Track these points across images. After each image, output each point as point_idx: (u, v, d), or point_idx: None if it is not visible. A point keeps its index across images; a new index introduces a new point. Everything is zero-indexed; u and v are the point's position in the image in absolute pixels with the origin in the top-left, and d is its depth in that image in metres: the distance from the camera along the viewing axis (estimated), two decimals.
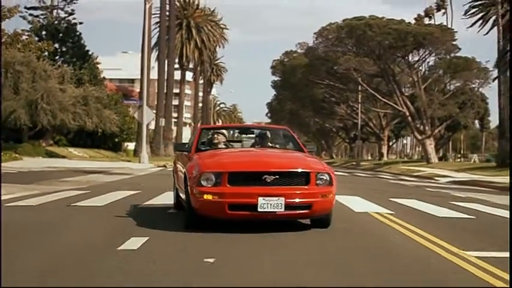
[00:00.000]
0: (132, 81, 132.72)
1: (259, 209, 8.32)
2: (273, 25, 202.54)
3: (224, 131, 11.70)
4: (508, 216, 11.51)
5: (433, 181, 32.37)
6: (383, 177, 35.21)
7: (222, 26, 78.86)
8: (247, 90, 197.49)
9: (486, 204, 14.49)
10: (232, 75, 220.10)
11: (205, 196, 8.44)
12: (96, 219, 9.79)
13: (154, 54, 59.75)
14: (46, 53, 44.98)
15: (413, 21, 54.04)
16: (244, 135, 12.02)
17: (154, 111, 46.74)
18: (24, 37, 44.61)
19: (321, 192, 8.64)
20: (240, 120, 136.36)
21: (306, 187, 8.61)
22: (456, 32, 51.68)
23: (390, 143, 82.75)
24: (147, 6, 42.27)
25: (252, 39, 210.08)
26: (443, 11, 76.36)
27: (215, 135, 10.70)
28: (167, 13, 55.77)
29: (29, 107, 38.28)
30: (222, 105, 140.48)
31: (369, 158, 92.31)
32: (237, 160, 9.29)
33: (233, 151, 10.30)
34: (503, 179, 29.15)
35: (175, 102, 70.62)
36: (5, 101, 38.07)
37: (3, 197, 12.54)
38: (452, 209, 12.86)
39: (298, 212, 8.63)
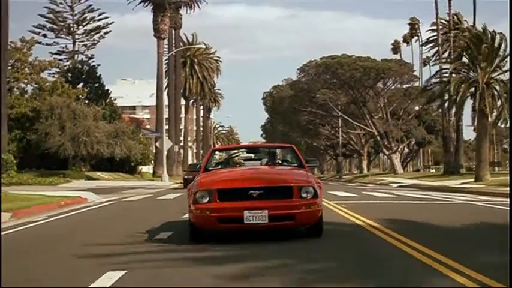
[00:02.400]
0: (133, 108, 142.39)
1: (245, 221, 9.19)
2: (264, 45, 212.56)
3: (236, 151, 12.98)
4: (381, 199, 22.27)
5: (387, 186, 43.00)
6: (348, 185, 45.95)
7: (217, 59, 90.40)
8: (241, 110, 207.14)
9: (384, 192, 25.27)
10: (226, 95, 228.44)
11: (199, 211, 9.47)
12: (179, 202, 20.07)
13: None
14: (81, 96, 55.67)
15: (399, 34, 65.05)
16: (252, 155, 13.23)
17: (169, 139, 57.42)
18: (61, 84, 55.23)
19: (304, 203, 9.34)
20: (237, 141, 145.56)
21: (290, 200, 9.35)
22: (413, 65, 62.67)
23: (371, 158, 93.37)
24: (162, 56, 53.16)
25: (244, 58, 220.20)
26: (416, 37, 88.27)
27: (233, 157, 12.29)
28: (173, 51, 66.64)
29: (72, 141, 48.91)
30: (220, 128, 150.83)
31: (355, 171, 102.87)
32: (228, 178, 10.28)
33: (231, 170, 11.22)
34: (436, 183, 39.87)
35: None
36: (52, 137, 48.70)
37: (113, 197, 23.20)
38: (350, 192, 23.68)
39: (281, 223, 9.38)
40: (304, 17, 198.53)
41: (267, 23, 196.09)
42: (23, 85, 56.70)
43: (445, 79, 40.78)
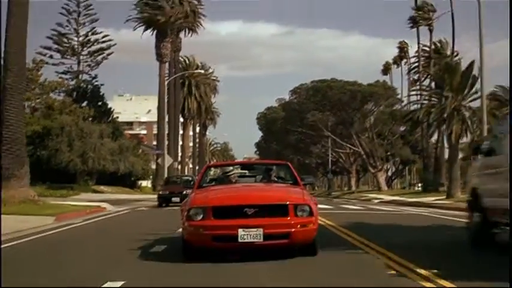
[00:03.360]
0: (131, 123, 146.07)
1: (239, 240, 9.08)
2: (261, 61, 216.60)
3: (231, 168, 12.75)
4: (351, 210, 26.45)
5: (369, 201, 47.17)
6: (334, 200, 50.24)
7: (214, 78, 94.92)
8: (236, 126, 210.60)
9: (359, 206, 29.48)
10: (222, 110, 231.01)
11: (193, 228, 9.37)
12: None
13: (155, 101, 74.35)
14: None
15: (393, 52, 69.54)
16: (247, 172, 13.16)
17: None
18: (69, 104, 59.44)
19: (300, 222, 9.24)
20: (232, 157, 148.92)
21: (285, 218, 9.26)
22: (397, 88, 67.25)
23: (360, 176, 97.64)
24: (163, 79, 57.46)
25: (240, 74, 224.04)
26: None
27: (228, 174, 12.02)
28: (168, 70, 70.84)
29: (81, 157, 53.08)
30: (215, 145, 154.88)
31: (345, 188, 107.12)
32: (223, 195, 10.20)
33: (226, 187, 11.11)
34: (412, 199, 44.07)
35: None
36: (62, 153, 52.84)
37: (125, 207, 27.35)
38: (330, 205, 27.85)
39: (276, 241, 9.25)
40: (300, 34, 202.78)
41: (264, 40, 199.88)
42: (33, 104, 60.75)
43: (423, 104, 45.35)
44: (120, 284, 7.71)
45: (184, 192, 26.39)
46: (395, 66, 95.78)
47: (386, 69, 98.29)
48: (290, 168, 12.04)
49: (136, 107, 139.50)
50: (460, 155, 47.46)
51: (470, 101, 42.70)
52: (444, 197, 42.51)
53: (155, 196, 49.04)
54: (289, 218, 9.26)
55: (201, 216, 9.34)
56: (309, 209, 9.44)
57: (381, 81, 74.98)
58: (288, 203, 9.41)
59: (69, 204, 26.14)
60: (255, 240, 9.08)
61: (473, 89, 41.91)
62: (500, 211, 9.65)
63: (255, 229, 9.05)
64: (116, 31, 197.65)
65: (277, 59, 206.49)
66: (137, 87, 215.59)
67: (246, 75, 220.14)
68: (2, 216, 18.63)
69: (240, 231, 9.06)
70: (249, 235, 9.06)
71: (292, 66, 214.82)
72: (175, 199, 29.29)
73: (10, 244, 13.01)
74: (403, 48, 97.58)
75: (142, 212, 24.87)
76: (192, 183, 27.35)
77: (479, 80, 42.84)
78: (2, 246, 11.91)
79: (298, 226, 9.23)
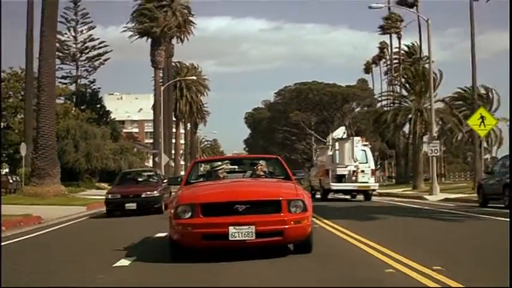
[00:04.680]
0: (122, 122, 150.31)
1: (230, 238, 8.71)
2: (249, 56, 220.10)
3: (220, 163, 11.96)
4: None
5: None
6: None
7: (204, 78, 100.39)
8: (225, 123, 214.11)
9: (332, 197, 35.17)
10: (211, 107, 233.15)
11: (181, 227, 9.00)
12: None
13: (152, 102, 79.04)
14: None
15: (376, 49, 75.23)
16: (236, 167, 12.67)
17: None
18: (72, 108, 64.87)
19: (293, 218, 8.88)
20: (221, 154, 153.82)
21: (278, 214, 8.88)
22: (373, 89, 73.11)
23: None
24: (158, 84, 62.91)
25: (229, 70, 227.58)
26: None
27: (218, 171, 11.41)
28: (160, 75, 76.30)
29: (86, 157, 58.53)
30: (205, 142, 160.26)
31: None
32: (212, 191, 9.85)
33: (215, 183, 10.67)
34: (383, 190, 49.77)
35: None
36: (68, 153, 58.25)
37: None
38: None
39: (269, 239, 8.90)
40: (288, 29, 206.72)
41: (252, 35, 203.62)
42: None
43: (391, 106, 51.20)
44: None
45: (144, 196, 21.70)
46: (374, 65, 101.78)
47: (367, 68, 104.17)
48: (281, 162, 11.77)
49: (127, 106, 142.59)
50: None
51: (436, 101, 48.59)
52: (411, 188, 48.33)
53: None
54: (282, 214, 8.92)
55: (190, 214, 8.98)
56: (302, 204, 9.08)
57: (364, 78, 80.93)
58: (280, 198, 9.06)
59: (89, 198, 31.66)
60: (247, 238, 8.75)
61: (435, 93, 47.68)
62: None
63: (246, 226, 8.72)
64: (103, 28, 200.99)
65: (265, 55, 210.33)
66: (126, 86, 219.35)
67: (235, 71, 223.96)
68: (48, 206, 24.32)
69: (231, 229, 8.72)
70: (240, 233, 8.73)
71: (281, 61, 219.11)
72: (130, 205, 21.47)
73: (71, 222, 18.72)
74: (383, 49, 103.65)
75: None
76: (155, 180, 24.51)
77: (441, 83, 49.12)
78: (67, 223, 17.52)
79: (292, 222, 8.89)
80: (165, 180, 23.94)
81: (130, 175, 26.48)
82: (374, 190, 33.42)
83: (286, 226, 8.88)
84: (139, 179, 24.95)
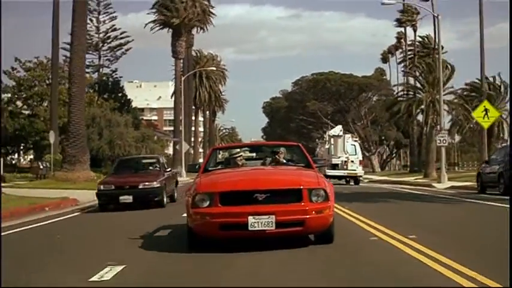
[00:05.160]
0: (142, 110, 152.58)
1: (249, 228, 8.49)
2: (268, 45, 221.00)
3: (238, 150, 11.61)
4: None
5: (361, 181, 54.64)
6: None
7: (223, 68, 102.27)
8: (243, 110, 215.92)
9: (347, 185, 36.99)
10: (229, 95, 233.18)
11: (199, 216, 8.79)
12: None
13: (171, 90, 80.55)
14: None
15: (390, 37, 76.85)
16: (255, 154, 12.54)
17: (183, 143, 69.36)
18: (97, 97, 67.12)
19: (315, 208, 8.64)
20: (239, 141, 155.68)
21: (299, 204, 8.66)
22: (389, 80, 74.60)
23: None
24: (179, 74, 64.92)
25: (246, 58, 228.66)
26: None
27: (236, 158, 11.15)
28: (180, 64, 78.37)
29: (109, 144, 60.76)
30: (224, 130, 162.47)
31: None
32: (231, 180, 9.61)
33: (234, 171, 10.47)
34: (397, 178, 51.55)
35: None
36: (93, 141, 60.52)
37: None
38: None
39: (290, 229, 8.66)
40: (306, 16, 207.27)
41: (270, 23, 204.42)
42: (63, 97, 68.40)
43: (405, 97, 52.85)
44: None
45: (141, 187, 18.96)
46: (391, 55, 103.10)
47: (384, 58, 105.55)
48: (302, 149, 11.41)
49: (146, 94, 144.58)
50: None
51: (445, 94, 50.14)
52: (423, 176, 50.01)
53: (178, 178, 56.30)
54: (303, 204, 8.68)
55: (208, 202, 8.79)
56: (324, 193, 8.83)
57: (382, 68, 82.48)
58: (301, 187, 8.80)
59: None
60: (267, 228, 8.51)
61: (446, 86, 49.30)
62: None
63: (266, 216, 8.48)
64: (122, 15, 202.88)
65: (283, 42, 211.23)
66: (145, 73, 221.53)
67: (253, 58, 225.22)
68: (80, 191, 26.40)
69: (250, 219, 8.49)
70: (260, 223, 8.49)
71: (299, 49, 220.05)
72: (125, 198, 18.78)
73: None
74: (400, 39, 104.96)
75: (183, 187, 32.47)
76: (157, 168, 21.25)
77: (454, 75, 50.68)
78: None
79: (313, 212, 8.64)
80: (169, 169, 21.94)
81: (128, 163, 23.02)
82: (361, 176, 42.99)
83: (308, 216, 8.64)
84: (139, 168, 21.67)
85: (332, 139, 42.07)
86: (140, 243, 10.30)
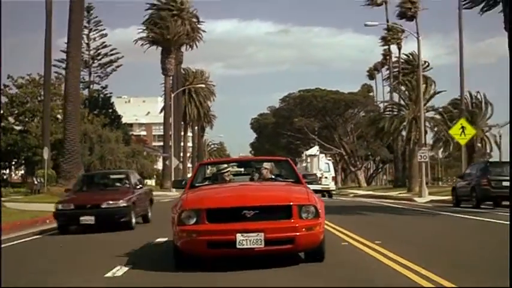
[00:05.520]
0: (130, 125, 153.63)
1: (237, 246, 8.30)
2: (256, 60, 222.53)
3: (226, 166, 11.28)
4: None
5: (346, 195, 56.11)
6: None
7: (210, 83, 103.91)
8: (231, 125, 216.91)
9: (329, 198, 38.37)
10: (217, 110, 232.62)
11: (185, 234, 8.54)
12: None
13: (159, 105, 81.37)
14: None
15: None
16: (243, 169, 12.24)
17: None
18: (87, 113, 68.31)
19: (305, 225, 8.47)
20: (228, 156, 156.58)
21: (288, 221, 8.47)
22: (374, 97, 76.36)
23: (347, 173, 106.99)
24: (169, 90, 66.29)
25: (235, 73, 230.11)
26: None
27: (223, 174, 10.86)
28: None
29: (100, 159, 61.99)
30: (212, 146, 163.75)
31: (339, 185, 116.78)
32: (218, 196, 9.37)
33: (221, 187, 10.25)
34: (381, 193, 52.97)
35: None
36: (84, 157, 61.68)
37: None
38: None
39: (279, 247, 8.48)
40: (295, 32, 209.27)
41: (259, 38, 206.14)
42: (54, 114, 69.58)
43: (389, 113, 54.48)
44: None
45: (104, 206, 16.73)
46: (376, 72, 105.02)
47: (371, 75, 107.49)
48: (290, 164, 11.20)
49: (135, 109, 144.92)
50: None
51: (427, 112, 51.85)
52: (406, 191, 51.48)
53: (167, 193, 57.79)
54: (293, 221, 8.51)
55: (195, 219, 8.58)
56: (314, 209, 8.67)
57: (369, 84, 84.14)
58: (291, 203, 8.65)
59: None
60: (255, 246, 8.34)
61: (429, 103, 51.06)
62: None
63: (255, 234, 8.31)
64: (110, 30, 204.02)
65: (272, 58, 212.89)
66: (134, 88, 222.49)
67: (241, 73, 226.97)
68: None
69: (239, 236, 8.32)
70: (248, 240, 8.32)
71: (288, 64, 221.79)
72: (87, 219, 16.66)
73: None
74: (386, 56, 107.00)
75: (168, 203, 33.65)
76: (126, 185, 18.57)
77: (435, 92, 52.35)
78: None
79: (304, 229, 8.48)
80: (140, 186, 19.16)
81: (92, 179, 20.46)
82: (334, 190, 49.22)
83: (298, 233, 8.47)
84: (105, 185, 19.24)
85: (309, 158, 48.96)
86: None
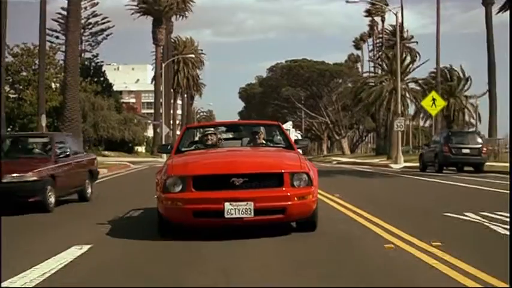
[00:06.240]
0: (120, 93, 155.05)
1: (226, 215, 7.93)
2: (245, 27, 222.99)
3: (212, 129, 10.65)
4: None
5: (329, 162, 58.81)
6: None
7: (200, 52, 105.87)
8: (220, 93, 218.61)
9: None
10: (206, 78, 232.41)
11: (170, 202, 8.17)
12: None
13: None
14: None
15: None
16: (231, 134, 11.65)
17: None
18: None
19: (297, 194, 8.12)
20: None
21: (279, 189, 8.13)
22: (358, 69, 78.81)
23: (333, 141, 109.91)
24: (159, 60, 68.39)
25: (224, 40, 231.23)
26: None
27: (207, 136, 10.30)
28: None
29: (93, 127, 64.28)
30: (201, 113, 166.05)
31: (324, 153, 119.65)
32: (205, 162, 8.98)
33: (209, 152, 9.78)
34: (363, 160, 55.73)
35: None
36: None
37: (142, 166, 38.66)
38: None
39: (270, 217, 8.14)
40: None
41: (248, 5, 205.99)
42: (48, 82, 71.52)
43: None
44: None
45: (5, 181, 12.22)
46: (362, 42, 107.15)
47: (357, 45, 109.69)
48: (282, 129, 10.81)
49: (124, 76, 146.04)
50: None
51: (408, 82, 54.54)
52: (386, 158, 54.22)
53: (158, 159, 59.90)
54: (284, 189, 8.14)
55: (180, 187, 8.19)
56: (307, 177, 8.30)
57: (356, 54, 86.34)
58: (283, 171, 8.25)
59: (106, 163, 37.46)
60: (245, 215, 7.95)
61: (415, 74, 53.77)
62: None
63: (244, 203, 7.93)
64: None
65: (261, 25, 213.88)
66: (123, 56, 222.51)
67: (230, 41, 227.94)
68: None
69: (227, 205, 7.94)
70: (237, 210, 7.93)
71: (277, 31, 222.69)
72: None
73: (103, 179, 24.55)
74: (372, 27, 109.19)
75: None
76: (44, 153, 14.16)
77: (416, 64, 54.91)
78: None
79: (296, 198, 8.13)
80: (69, 154, 14.21)
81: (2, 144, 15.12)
82: None
83: (289, 202, 8.10)
84: (19, 151, 14.59)
85: None
86: None
